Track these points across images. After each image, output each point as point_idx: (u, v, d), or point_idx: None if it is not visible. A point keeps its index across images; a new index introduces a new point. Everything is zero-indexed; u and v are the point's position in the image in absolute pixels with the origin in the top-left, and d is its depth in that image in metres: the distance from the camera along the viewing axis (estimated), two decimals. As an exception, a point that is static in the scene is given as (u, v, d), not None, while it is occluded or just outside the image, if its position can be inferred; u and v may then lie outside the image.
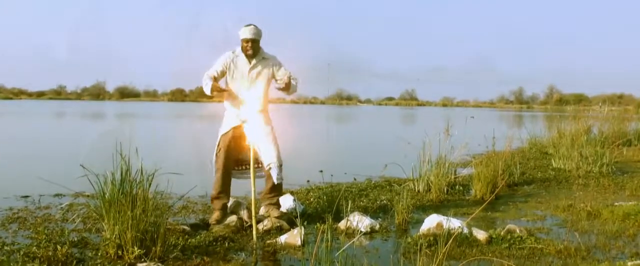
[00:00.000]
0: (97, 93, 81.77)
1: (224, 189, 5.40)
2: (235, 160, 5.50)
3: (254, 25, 5.31)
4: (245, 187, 5.84)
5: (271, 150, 5.34)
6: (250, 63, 5.34)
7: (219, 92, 5.24)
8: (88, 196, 5.01)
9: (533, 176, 8.97)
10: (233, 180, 5.54)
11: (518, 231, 5.01)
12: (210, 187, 5.51)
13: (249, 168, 5.17)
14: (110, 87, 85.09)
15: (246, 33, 5.27)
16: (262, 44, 5.40)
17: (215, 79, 5.29)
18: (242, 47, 5.34)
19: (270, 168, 5.35)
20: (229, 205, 5.51)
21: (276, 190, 5.47)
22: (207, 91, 5.18)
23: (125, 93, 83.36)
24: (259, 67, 5.36)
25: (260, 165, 5.41)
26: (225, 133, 5.36)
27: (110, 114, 37.01)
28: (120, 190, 4.29)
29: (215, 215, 5.34)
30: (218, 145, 5.36)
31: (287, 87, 5.30)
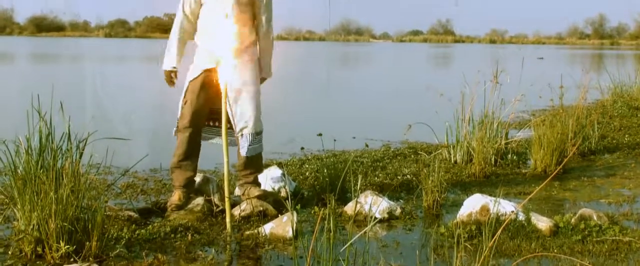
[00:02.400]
0: (1, 26, 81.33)
1: (190, 155, 5.38)
2: (207, 115, 5.48)
3: None
4: (216, 157, 5.85)
5: (247, 109, 5.30)
6: None
7: (168, 82, 5.45)
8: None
9: (618, 141, 8.99)
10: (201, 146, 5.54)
11: (595, 218, 5.04)
12: (167, 155, 5.52)
13: (221, 126, 5.15)
14: (21, 18, 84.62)
15: None
16: None
17: (193, 18, 5.35)
18: None
19: (241, 134, 5.34)
20: (196, 181, 5.53)
21: (252, 165, 5.47)
22: (165, 62, 5.39)
23: (43, 26, 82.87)
24: None
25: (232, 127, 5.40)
26: (195, 79, 5.32)
27: (22, 55, 36.84)
28: (39, 163, 4.29)
29: (176, 195, 5.36)
30: (184, 95, 5.35)
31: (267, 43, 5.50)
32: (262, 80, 5.57)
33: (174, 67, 5.38)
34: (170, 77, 5.41)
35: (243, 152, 5.35)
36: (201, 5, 5.35)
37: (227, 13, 5.15)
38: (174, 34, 5.41)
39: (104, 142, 4.53)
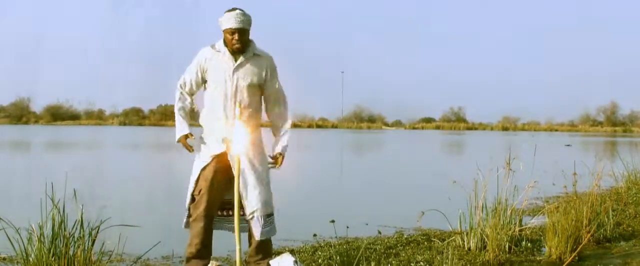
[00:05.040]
0: (18, 115, 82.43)
1: (205, 246, 5.35)
2: (220, 203, 5.47)
3: (241, 10, 5.25)
4: (228, 244, 5.83)
5: (258, 192, 5.31)
6: (235, 60, 5.32)
7: (187, 147, 5.39)
8: (4, 259, 5.02)
9: (633, 228, 8.91)
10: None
11: (611, 305, 4.98)
12: (179, 243, 5.51)
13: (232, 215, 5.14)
14: (38, 107, 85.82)
15: (230, 21, 5.20)
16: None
17: (191, 96, 5.38)
18: (225, 40, 5.30)
19: (252, 217, 5.32)
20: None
21: (262, 249, 5.45)
22: (177, 131, 5.37)
23: (58, 115, 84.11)
24: (248, 67, 5.34)
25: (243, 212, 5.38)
26: (206, 167, 5.30)
27: (37, 143, 37.15)
28: (51, 251, 4.30)
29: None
30: (196, 183, 5.30)
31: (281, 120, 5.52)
32: (280, 156, 5.53)
33: (189, 132, 5.37)
34: (186, 143, 5.37)
35: (257, 235, 5.32)
36: (204, 87, 5.40)
37: (231, 92, 5.23)
38: (178, 111, 5.45)
39: (117, 229, 4.54)
